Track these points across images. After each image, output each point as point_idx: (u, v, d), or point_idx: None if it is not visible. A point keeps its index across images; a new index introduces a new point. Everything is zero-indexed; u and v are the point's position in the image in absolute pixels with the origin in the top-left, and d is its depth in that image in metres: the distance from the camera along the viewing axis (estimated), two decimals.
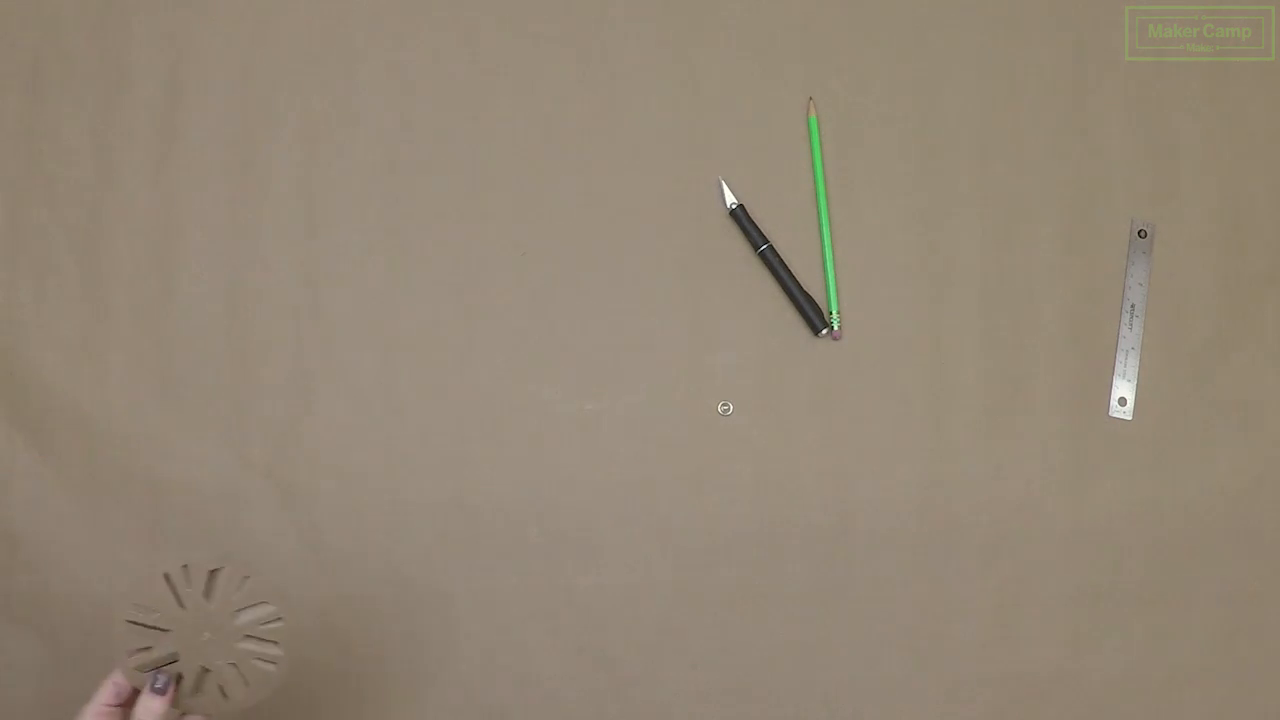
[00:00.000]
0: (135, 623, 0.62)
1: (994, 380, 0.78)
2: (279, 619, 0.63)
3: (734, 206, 0.78)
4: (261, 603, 0.63)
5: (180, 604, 0.63)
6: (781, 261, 0.78)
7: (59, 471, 0.76)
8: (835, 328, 0.78)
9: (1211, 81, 0.81)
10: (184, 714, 0.63)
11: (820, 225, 0.79)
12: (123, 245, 0.78)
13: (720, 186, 0.79)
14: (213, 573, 0.63)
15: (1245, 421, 0.78)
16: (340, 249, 0.78)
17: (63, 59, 0.79)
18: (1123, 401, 0.78)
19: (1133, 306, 0.79)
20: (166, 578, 0.63)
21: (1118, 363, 0.78)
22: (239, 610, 0.63)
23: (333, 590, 0.75)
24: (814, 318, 0.77)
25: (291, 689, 0.74)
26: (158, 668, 0.62)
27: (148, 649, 0.62)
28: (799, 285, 0.78)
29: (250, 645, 0.63)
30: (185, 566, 0.63)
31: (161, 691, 0.60)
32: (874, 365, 0.78)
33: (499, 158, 0.79)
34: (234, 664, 0.64)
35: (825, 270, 0.78)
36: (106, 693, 0.62)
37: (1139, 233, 0.80)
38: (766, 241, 0.78)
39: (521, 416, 0.77)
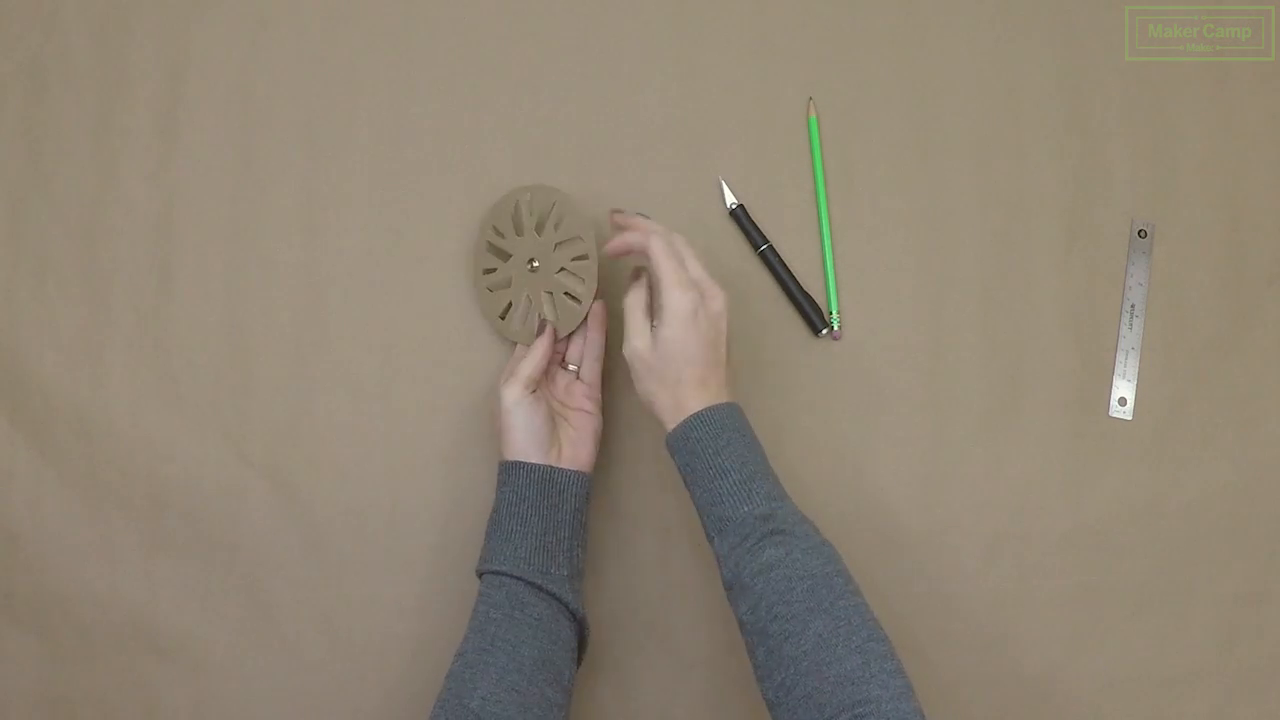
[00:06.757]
0: (491, 244, 0.74)
1: (994, 380, 0.78)
2: (586, 256, 0.70)
3: (734, 206, 0.78)
4: (575, 238, 0.70)
5: (518, 232, 0.72)
6: (781, 261, 0.78)
7: (59, 471, 0.76)
8: (835, 328, 0.78)
9: (1211, 81, 0.81)
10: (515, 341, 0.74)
11: (820, 225, 0.79)
12: (123, 245, 0.78)
13: (720, 186, 0.79)
14: (550, 207, 0.71)
15: (1245, 421, 0.78)
16: (340, 249, 0.78)
17: (63, 59, 0.79)
18: (1123, 401, 0.78)
19: (1133, 306, 0.79)
20: (516, 205, 0.72)
21: (1118, 363, 0.78)
22: (557, 245, 0.71)
23: (333, 590, 0.75)
24: (814, 318, 0.77)
25: (292, 689, 0.74)
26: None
27: (494, 270, 0.74)
28: (799, 285, 0.78)
29: (564, 279, 0.72)
30: (530, 198, 0.71)
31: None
32: (874, 365, 0.78)
33: (499, 158, 0.79)
34: (549, 293, 0.72)
35: (825, 270, 0.78)
36: None
37: (1139, 233, 0.80)
38: (766, 241, 0.78)
39: None
